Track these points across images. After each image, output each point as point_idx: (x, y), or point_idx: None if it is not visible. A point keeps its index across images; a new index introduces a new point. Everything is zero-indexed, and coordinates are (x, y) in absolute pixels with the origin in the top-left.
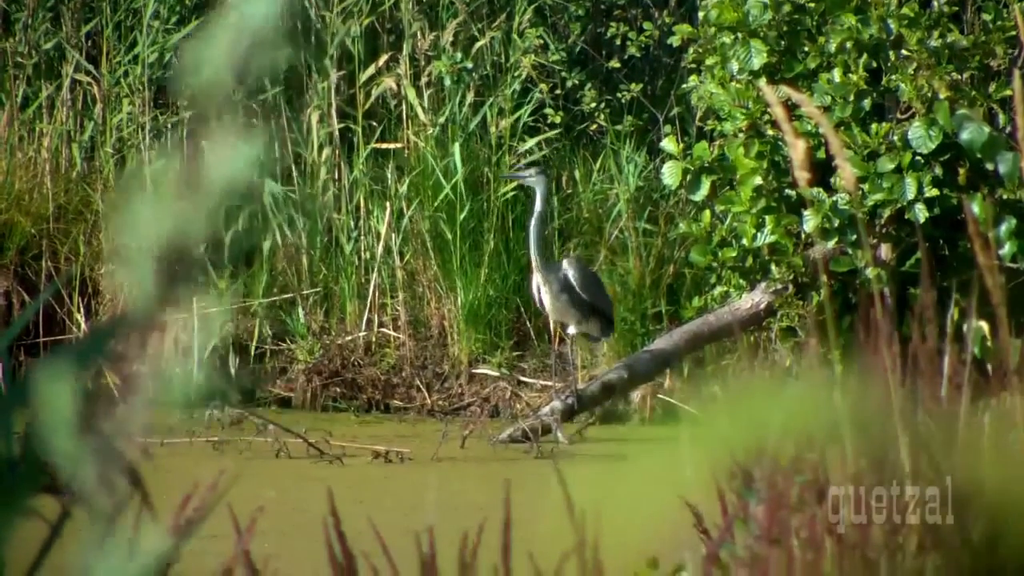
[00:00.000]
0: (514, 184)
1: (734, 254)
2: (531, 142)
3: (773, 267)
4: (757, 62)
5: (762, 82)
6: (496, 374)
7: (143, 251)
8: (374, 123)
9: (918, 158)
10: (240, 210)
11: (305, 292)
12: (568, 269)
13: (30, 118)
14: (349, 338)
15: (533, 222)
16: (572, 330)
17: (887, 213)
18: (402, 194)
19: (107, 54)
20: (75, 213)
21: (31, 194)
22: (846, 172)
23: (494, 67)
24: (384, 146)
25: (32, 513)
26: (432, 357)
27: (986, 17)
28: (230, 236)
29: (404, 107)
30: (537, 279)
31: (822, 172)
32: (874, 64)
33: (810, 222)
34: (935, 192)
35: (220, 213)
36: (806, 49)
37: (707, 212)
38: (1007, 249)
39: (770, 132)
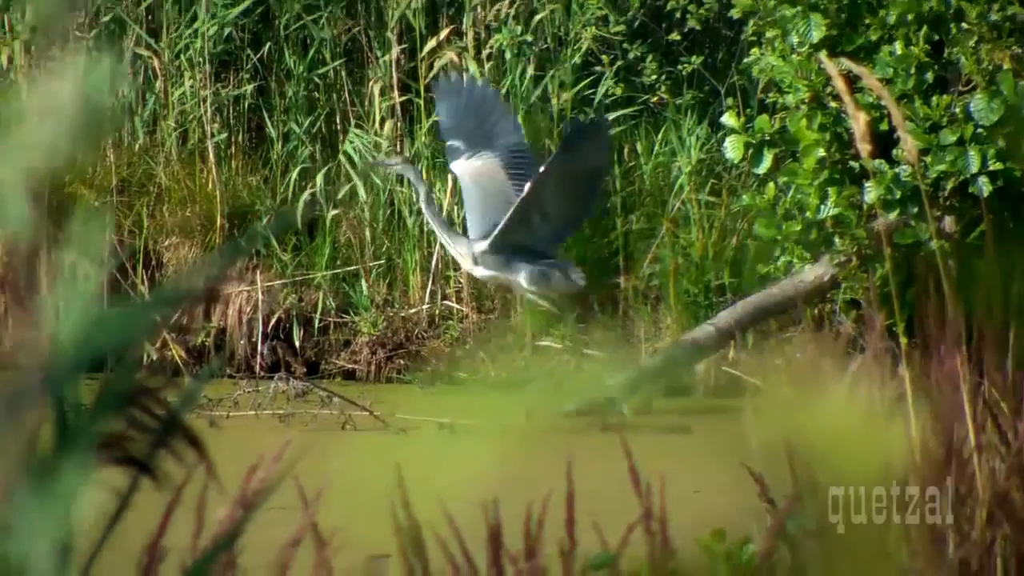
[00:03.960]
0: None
1: (798, 227)
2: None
3: (837, 239)
4: (817, 35)
5: (823, 55)
6: (560, 346)
7: (14, 181)
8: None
9: (980, 130)
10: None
11: (368, 264)
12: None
13: (92, 91)
14: (413, 310)
15: (424, 207)
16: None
17: (950, 185)
18: None
19: (167, 28)
20: (138, 186)
21: (94, 167)
22: (908, 144)
23: (554, 40)
24: None
25: (101, 484)
26: (496, 329)
27: None
28: (302, 200)
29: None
30: (458, 253)
31: (885, 144)
32: (935, 36)
33: (872, 193)
34: (999, 165)
35: (84, 136)
36: (867, 22)
37: (771, 184)
38: None
39: (832, 104)
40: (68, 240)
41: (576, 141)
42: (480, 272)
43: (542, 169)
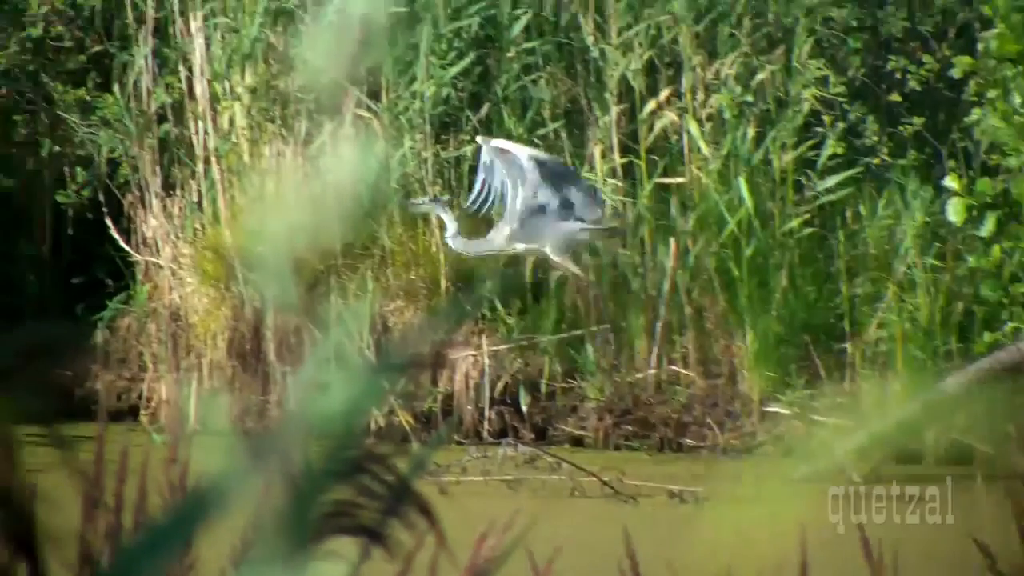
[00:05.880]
0: (802, 219)
1: None
2: (831, 181)
3: None
4: None
5: None
6: (788, 412)
7: (278, 257)
8: (655, 157)
9: None
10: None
11: (594, 329)
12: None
13: (314, 154)
14: (639, 375)
15: (453, 242)
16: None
17: None
18: (687, 229)
19: (386, 89)
20: (362, 249)
21: (318, 230)
22: None
23: (775, 100)
24: (667, 181)
25: (332, 554)
26: (723, 395)
27: None
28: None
29: (686, 141)
30: (500, 248)
31: None
32: None
33: None
34: None
35: (349, 215)
36: None
37: (996, 247)
38: None
39: None
40: (325, 313)
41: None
42: (520, 247)
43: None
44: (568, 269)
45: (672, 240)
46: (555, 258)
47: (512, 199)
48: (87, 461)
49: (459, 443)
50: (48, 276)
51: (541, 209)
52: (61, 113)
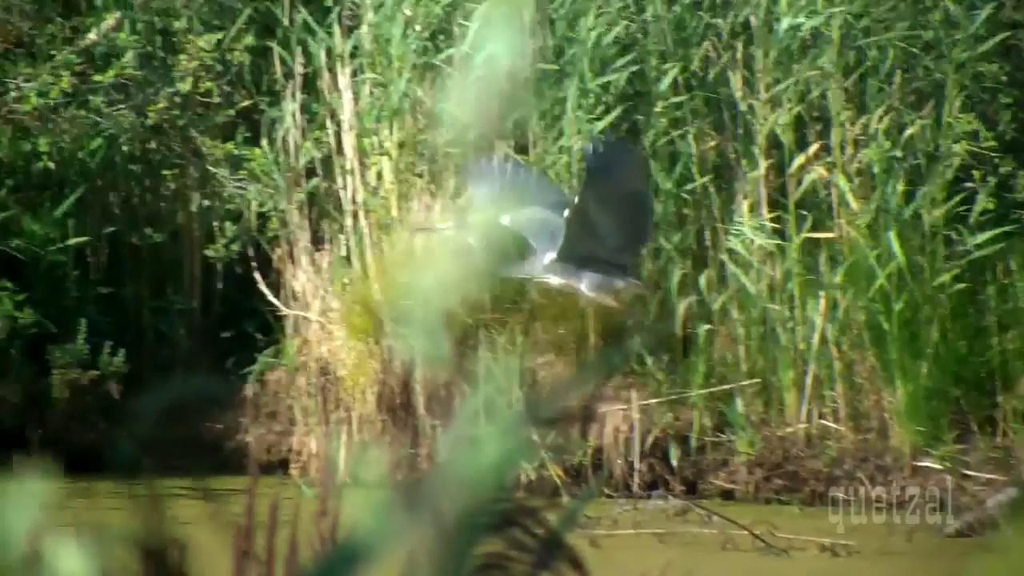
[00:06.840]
0: (953, 274)
1: None
2: (981, 236)
3: None
4: None
5: None
6: (940, 467)
7: (426, 311)
8: (804, 212)
9: None
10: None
11: (743, 383)
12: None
13: (461, 208)
14: (789, 429)
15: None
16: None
17: None
18: (836, 284)
19: (534, 143)
20: (511, 303)
21: (467, 284)
22: None
23: (925, 155)
24: (817, 235)
25: None
26: (873, 449)
27: None
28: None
29: (835, 195)
30: (531, 273)
31: None
32: None
33: None
34: None
35: (495, 271)
36: None
37: None
38: None
39: None
40: (474, 367)
41: (598, 170)
42: (555, 282)
43: (576, 201)
44: (603, 301)
45: (821, 294)
46: (589, 294)
47: (548, 228)
48: (238, 514)
49: (609, 496)
50: (198, 330)
51: (584, 251)
52: (210, 167)
